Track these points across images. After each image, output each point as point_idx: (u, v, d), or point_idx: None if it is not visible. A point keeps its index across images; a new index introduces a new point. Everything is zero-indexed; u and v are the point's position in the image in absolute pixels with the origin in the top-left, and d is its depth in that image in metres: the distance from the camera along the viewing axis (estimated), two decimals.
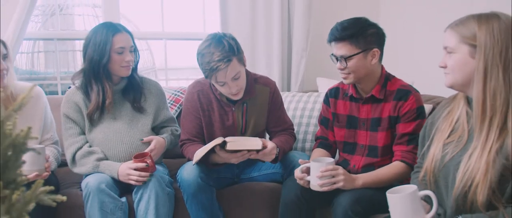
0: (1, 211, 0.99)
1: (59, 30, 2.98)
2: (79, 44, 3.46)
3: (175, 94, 2.66)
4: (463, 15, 1.39)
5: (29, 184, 1.02)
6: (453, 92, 1.48)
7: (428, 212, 1.36)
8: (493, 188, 1.24)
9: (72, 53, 3.57)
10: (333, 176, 1.67)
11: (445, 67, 1.39)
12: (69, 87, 2.66)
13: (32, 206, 1.04)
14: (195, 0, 3.18)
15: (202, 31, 3.17)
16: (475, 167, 1.27)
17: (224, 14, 2.96)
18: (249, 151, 1.90)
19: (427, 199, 1.42)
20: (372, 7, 3.23)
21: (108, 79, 2.03)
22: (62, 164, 2.16)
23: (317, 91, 2.77)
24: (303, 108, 2.55)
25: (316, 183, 1.69)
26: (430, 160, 1.44)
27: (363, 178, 1.73)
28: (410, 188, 1.34)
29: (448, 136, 1.43)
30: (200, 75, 3.20)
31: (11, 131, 0.98)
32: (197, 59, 1.97)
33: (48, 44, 3.44)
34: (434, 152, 1.44)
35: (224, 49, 1.89)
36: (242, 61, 1.98)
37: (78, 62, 3.50)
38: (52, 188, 1.07)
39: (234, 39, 1.98)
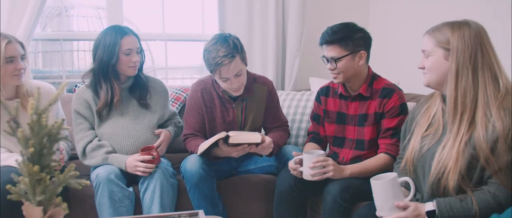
0: (37, 192, 1.15)
1: (65, 31, 3.12)
2: (80, 45, 3.58)
3: (176, 93, 2.82)
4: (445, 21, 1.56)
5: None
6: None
7: (407, 196, 1.54)
8: (463, 174, 1.42)
9: (70, 53, 3.68)
10: (324, 167, 1.84)
11: (423, 68, 1.56)
12: (76, 85, 2.81)
13: (60, 189, 1.20)
14: (195, 4, 3.32)
15: (201, 32, 3.32)
16: (448, 156, 1.44)
17: (222, 17, 3.11)
18: (249, 144, 2.06)
19: (406, 186, 1.59)
20: (362, 12, 3.39)
21: (116, 78, 2.18)
22: (71, 157, 2.31)
23: (309, 90, 2.93)
24: (296, 106, 2.72)
25: (308, 173, 1.85)
26: (410, 151, 1.61)
27: (350, 169, 1.90)
28: (391, 175, 1.51)
29: (426, 130, 1.60)
30: (197, 74, 3.35)
31: (46, 123, 1.14)
32: (204, 55, 2.12)
33: (45, 44, 3.56)
34: (413, 144, 1.61)
35: (229, 46, 2.05)
36: (244, 60, 2.13)
37: (75, 62, 3.62)
38: (77, 173, 1.23)
39: (238, 39, 2.14)
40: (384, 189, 1.48)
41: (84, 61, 3.41)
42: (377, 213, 1.53)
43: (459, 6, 2.54)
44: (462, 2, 2.53)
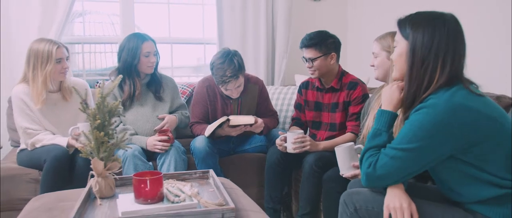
0: (100, 151, 1.67)
1: (85, 35, 3.62)
2: (96, 47, 4.03)
3: (183, 88, 3.34)
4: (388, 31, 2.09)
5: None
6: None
7: None
8: None
9: (83, 54, 4.13)
10: (303, 142, 2.37)
11: (373, 66, 2.09)
12: (97, 82, 3.31)
13: (115, 149, 1.73)
14: (196, 11, 3.81)
15: (202, 36, 3.82)
16: None
17: (220, 23, 3.60)
18: (245, 125, 2.58)
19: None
20: (341, 20, 3.90)
21: (137, 75, 2.69)
22: None
23: (295, 85, 3.46)
24: (283, 98, 3.26)
25: (290, 147, 2.38)
26: (365, 128, 2.14)
27: (323, 144, 2.44)
28: (349, 143, 2.04)
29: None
30: (199, 73, 3.85)
31: (107, 103, 1.67)
32: (211, 69, 2.62)
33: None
34: (368, 122, 2.14)
35: (235, 68, 2.54)
36: (244, 75, 2.64)
37: (92, 62, 4.06)
38: (127, 138, 1.75)
39: (240, 57, 2.61)
40: (343, 153, 2.00)
41: (100, 61, 3.90)
42: (340, 173, 2.05)
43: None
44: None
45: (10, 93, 2.95)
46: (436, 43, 1.38)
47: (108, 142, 1.69)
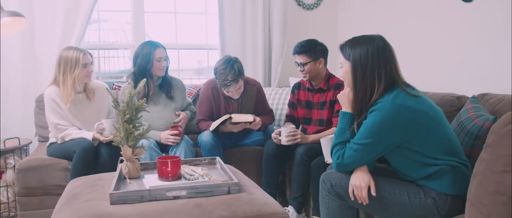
0: (129, 140, 2.07)
1: (100, 42, 4.02)
2: (111, 52, 4.40)
3: (189, 89, 3.73)
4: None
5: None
6: None
7: None
8: None
9: (97, 59, 4.48)
10: (294, 136, 2.77)
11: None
12: (113, 84, 3.70)
13: (140, 138, 2.12)
14: (200, 20, 4.19)
15: (205, 42, 4.21)
16: None
17: (222, 30, 3.98)
18: (245, 123, 2.98)
19: None
20: (331, 27, 4.27)
21: (150, 78, 3.08)
22: None
23: (289, 86, 3.85)
24: (279, 98, 3.66)
25: (284, 140, 2.78)
26: None
27: (312, 137, 2.83)
28: (332, 135, 2.43)
29: None
30: (202, 75, 4.24)
31: (134, 101, 2.07)
32: (215, 73, 3.00)
33: None
34: None
35: (235, 73, 2.92)
36: (243, 79, 3.03)
37: (107, 66, 4.41)
38: (150, 129, 2.15)
39: (240, 63, 2.98)
40: (328, 143, 2.38)
41: (114, 65, 4.28)
42: (325, 160, 2.44)
43: (406, 23, 3.47)
44: (407, 21, 3.46)
45: (36, 94, 3.36)
46: (370, 60, 1.80)
47: (135, 132, 2.08)
